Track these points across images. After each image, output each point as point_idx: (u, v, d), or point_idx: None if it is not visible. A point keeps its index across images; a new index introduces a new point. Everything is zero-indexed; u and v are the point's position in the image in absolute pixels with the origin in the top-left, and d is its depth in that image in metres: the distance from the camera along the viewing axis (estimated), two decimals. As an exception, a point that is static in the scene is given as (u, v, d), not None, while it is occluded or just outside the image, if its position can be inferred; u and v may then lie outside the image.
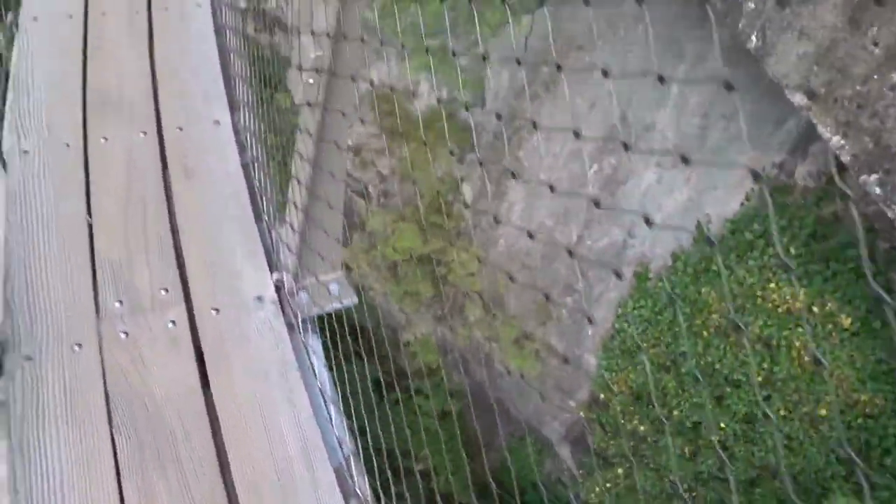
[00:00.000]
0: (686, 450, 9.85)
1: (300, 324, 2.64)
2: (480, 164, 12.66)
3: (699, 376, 9.74)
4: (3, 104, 3.10)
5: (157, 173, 2.89)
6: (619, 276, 9.29)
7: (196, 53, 3.51)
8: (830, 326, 8.12)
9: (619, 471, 10.92)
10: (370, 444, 2.58)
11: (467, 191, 13.24)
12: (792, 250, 8.33)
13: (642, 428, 10.36)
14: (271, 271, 2.72)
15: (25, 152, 2.87)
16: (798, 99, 6.14)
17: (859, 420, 8.02)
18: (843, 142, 5.96)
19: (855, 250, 7.86)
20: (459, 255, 13.17)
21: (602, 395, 11.31)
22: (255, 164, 3.01)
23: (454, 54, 9.04)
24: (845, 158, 6.01)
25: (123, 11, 3.73)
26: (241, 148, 3.03)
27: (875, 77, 5.60)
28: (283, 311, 2.63)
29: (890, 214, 5.96)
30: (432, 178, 12.98)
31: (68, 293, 2.54)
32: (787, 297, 8.49)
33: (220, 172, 2.92)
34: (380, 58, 12.57)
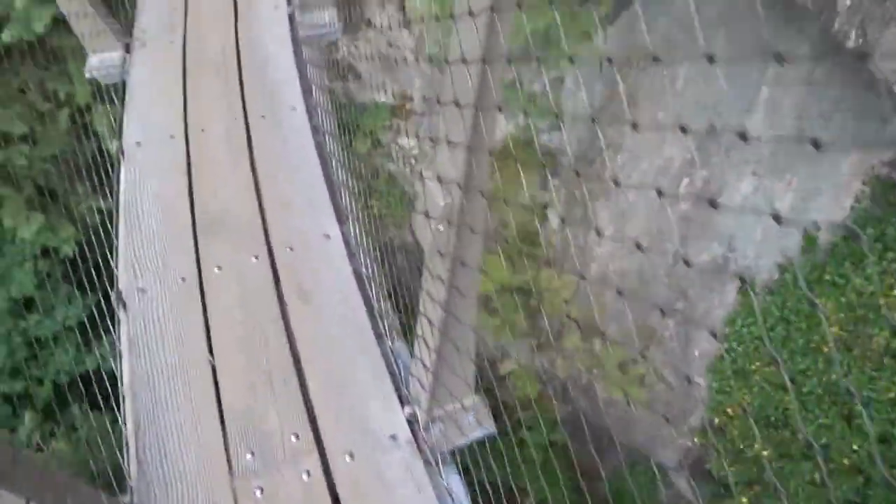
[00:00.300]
0: (816, 476, 9.14)
1: (439, 463, 2.47)
2: (565, 186, 12.39)
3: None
4: (116, 237, 3.11)
5: (272, 300, 2.80)
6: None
7: (297, 161, 3.43)
8: (970, 334, 7.38)
9: (744, 500, 10.25)
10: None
11: (553, 217, 12.98)
12: (921, 253, 7.66)
13: (765, 453, 9.70)
14: (402, 403, 2.58)
15: (143, 291, 2.83)
16: (908, 95, 5.64)
17: None
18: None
19: None
20: (551, 282, 12.88)
21: (717, 420, 10.70)
22: (369, 279, 2.90)
23: (521, 85, 8.93)
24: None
25: (222, 125, 3.69)
26: (354, 261, 2.92)
27: None
28: (420, 449, 2.48)
29: None
30: (517, 207, 12.78)
31: (199, 449, 2.45)
32: (915, 306, 7.80)
33: (335, 293, 2.81)
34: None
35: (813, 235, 8.87)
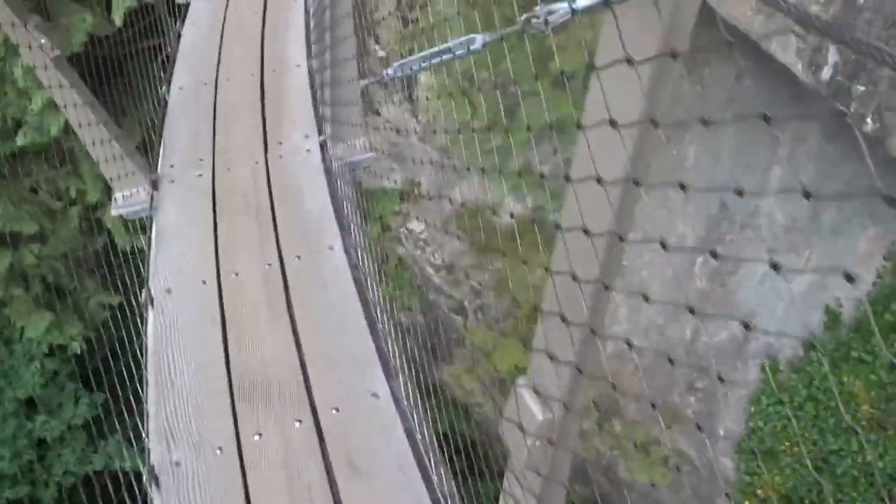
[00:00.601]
0: (859, 562, 8.79)
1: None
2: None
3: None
4: (145, 399, 2.86)
5: (319, 470, 2.54)
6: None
7: (338, 308, 3.13)
8: None
9: (783, 588, 9.82)
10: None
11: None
12: (945, 329, 7.56)
13: (803, 541, 9.36)
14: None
15: (177, 464, 2.60)
16: (933, 177, 5.64)
17: None
18: None
19: None
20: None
21: (747, 503, 10.36)
22: (424, 444, 2.69)
23: (542, 176, 9.01)
24: None
25: (256, 268, 3.44)
26: (405, 422, 2.69)
27: None
28: None
29: None
30: (528, 290, 12.71)
31: None
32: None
33: (388, 460, 2.56)
34: (462, 177, 12.69)
35: (836, 311, 8.78)
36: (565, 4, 2.34)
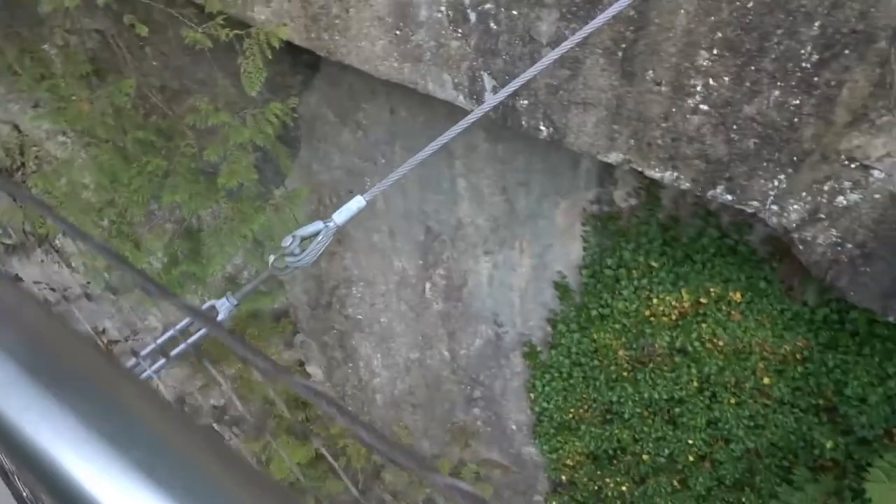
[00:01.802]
0: (675, 483, 9.62)
1: None
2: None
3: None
4: None
5: None
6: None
7: None
8: (725, 307, 8.29)
9: (625, 534, 10.46)
10: None
11: (317, 373, 12.20)
12: (654, 264, 8.42)
13: (624, 488, 9.99)
14: None
15: None
16: (614, 158, 6.08)
17: (799, 369, 8.24)
18: (675, 174, 5.97)
19: (706, 237, 8.08)
20: (343, 433, 12.05)
21: (563, 477, 10.81)
22: None
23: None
24: (686, 185, 6.02)
25: None
26: None
27: (674, 110, 5.65)
28: None
29: (750, 209, 6.06)
30: (269, 387, 11.76)
31: None
32: (674, 303, 8.57)
33: None
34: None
35: (564, 283, 9.36)
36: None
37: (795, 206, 5.94)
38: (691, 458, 9.27)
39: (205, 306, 2.70)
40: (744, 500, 9.06)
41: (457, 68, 5.97)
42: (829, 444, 8.28)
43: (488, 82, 5.99)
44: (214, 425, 13.29)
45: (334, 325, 11.38)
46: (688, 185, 5.97)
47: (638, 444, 9.55)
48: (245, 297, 2.77)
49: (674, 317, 8.66)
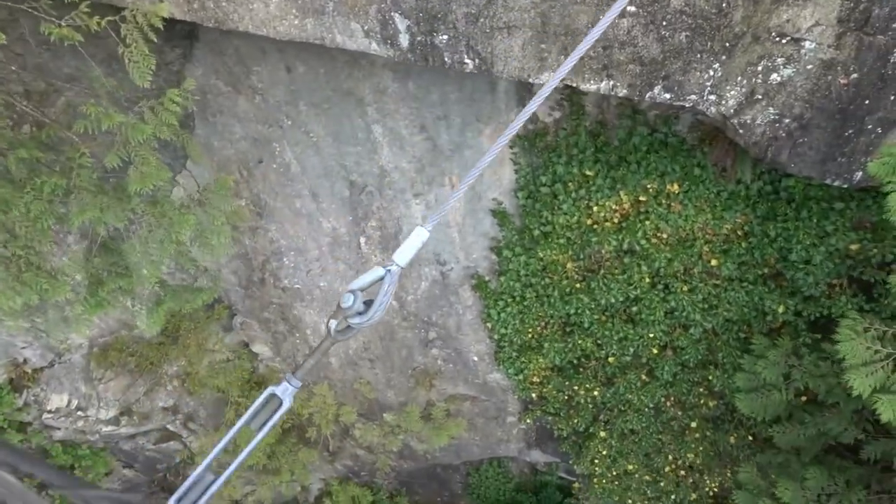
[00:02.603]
0: (642, 377, 9.88)
1: None
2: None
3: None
4: None
5: None
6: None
7: None
8: (664, 200, 8.32)
9: (602, 433, 10.77)
10: None
11: (263, 350, 11.76)
12: (589, 172, 8.31)
13: (596, 392, 10.20)
14: None
15: None
16: (545, 77, 5.79)
17: (743, 245, 8.44)
18: (611, 83, 5.76)
19: (637, 136, 8.00)
20: (305, 406, 11.79)
21: (533, 395, 10.96)
22: None
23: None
24: (623, 92, 5.83)
25: None
26: None
27: (601, 17, 5.36)
28: None
29: (689, 104, 5.95)
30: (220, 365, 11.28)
31: None
32: (614, 206, 8.55)
33: None
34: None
35: (500, 209, 9.18)
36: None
37: (732, 92, 5.87)
38: (655, 351, 9.50)
39: (263, 396, 2.32)
40: (710, 377, 9.40)
41: (365, 14, 5.46)
42: (780, 309, 8.61)
43: (401, 23, 5.53)
44: (169, 427, 12.76)
45: (272, 299, 10.90)
46: (625, 91, 5.78)
47: (602, 349, 9.70)
48: (306, 372, 2.40)
49: (616, 220, 8.65)
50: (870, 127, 6.22)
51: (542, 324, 10.04)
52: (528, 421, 11.61)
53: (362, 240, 9.92)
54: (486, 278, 9.98)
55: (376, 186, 9.28)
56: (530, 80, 5.77)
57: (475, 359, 11.22)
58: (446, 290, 10.35)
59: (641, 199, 8.35)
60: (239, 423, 2.25)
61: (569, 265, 9.21)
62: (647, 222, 8.41)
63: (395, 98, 8.27)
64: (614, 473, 11.31)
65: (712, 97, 5.86)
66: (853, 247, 7.82)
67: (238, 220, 7.69)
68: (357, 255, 10.11)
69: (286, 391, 2.31)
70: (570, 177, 8.39)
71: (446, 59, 5.70)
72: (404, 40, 5.63)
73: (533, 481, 15.02)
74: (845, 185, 6.85)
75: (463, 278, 10.14)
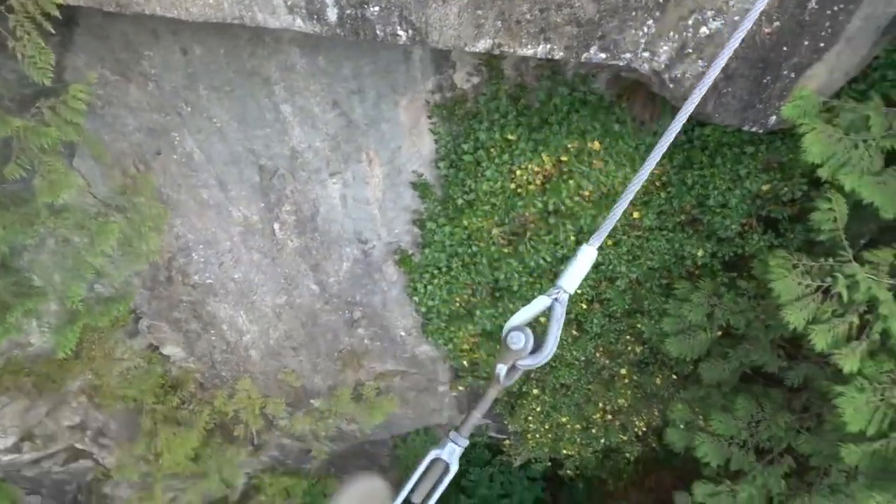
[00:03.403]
0: (573, 332, 10.05)
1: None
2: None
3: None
4: None
5: None
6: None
7: None
8: (586, 157, 8.37)
9: (535, 391, 10.95)
10: None
11: (175, 352, 11.06)
12: (511, 137, 8.22)
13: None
14: None
15: None
16: (483, 45, 5.57)
17: (663, 195, 8.66)
18: (548, 46, 5.63)
19: (557, 97, 7.95)
20: (228, 404, 11.27)
21: (465, 362, 10.95)
22: None
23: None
24: (560, 55, 5.72)
25: None
26: None
27: (541, -20, 5.20)
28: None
29: (623, 62, 5.92)
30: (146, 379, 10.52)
31: None
32: (536, 169, 8.52)
33: None
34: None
35: (421, 181, 8.95)
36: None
37: (664, 48, 5.89)
38: (584, 306, 9.68)
39: (426, 461, 2.00)
40: (638, 325, 9.70)
41: (289, -12, 5.02)
42: (699, 253, 8.95)
43: (329, -4, 5.14)
44: (78, 445, 11.85)
45: (182, 297, 10.22)
46: (561, 53, 5.68)
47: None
48: (470, 428, 2.10)
49: (539, 182, 8.64)
50: (785, 73, 6.45)
51: (470, 292, 9.98)
52: (461, 388, 11.63)
53: (276, 226, 9.42)
54: (410, 252, 9.77)
55: (288, 169, 8.79)
56: (466, 48, 5.54)
57: (402, 334, 11.05)
58: (369, 268, 10.06)
59: (563, 159, 8.36)
60: (402, 493, 1.97)
61: (494, 231, 9.15)
62: (571, 181, 8.44)
63: (305, 74, 7.79)
64: (547, 427, 11.57)
65: (646, 54, 5.86)
66: (764, 187, 8.19)
67: (162, 222, 7.06)
68: (272, 243, 9.61)
69: (453, 453, 2.00)
70: (492, 142, 8.27)
71: (378, 31, 5.36)
72: (332, 14, 5.24)
73: (460, 444, 15.19)
74: (760, 131, 7.12)
75: (386, 255, 9.88)
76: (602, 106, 8.01)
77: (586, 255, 2.17)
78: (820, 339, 6.48)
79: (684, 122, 2.36)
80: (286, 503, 13.87)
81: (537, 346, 2.05)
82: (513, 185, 8.65)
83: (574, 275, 2.15)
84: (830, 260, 6.69)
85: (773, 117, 6.97)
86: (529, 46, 5.57)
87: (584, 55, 5.70)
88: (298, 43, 7.51)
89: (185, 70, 7.67)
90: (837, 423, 7.43)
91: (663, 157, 8.16)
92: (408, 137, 8.56)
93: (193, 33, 7.39)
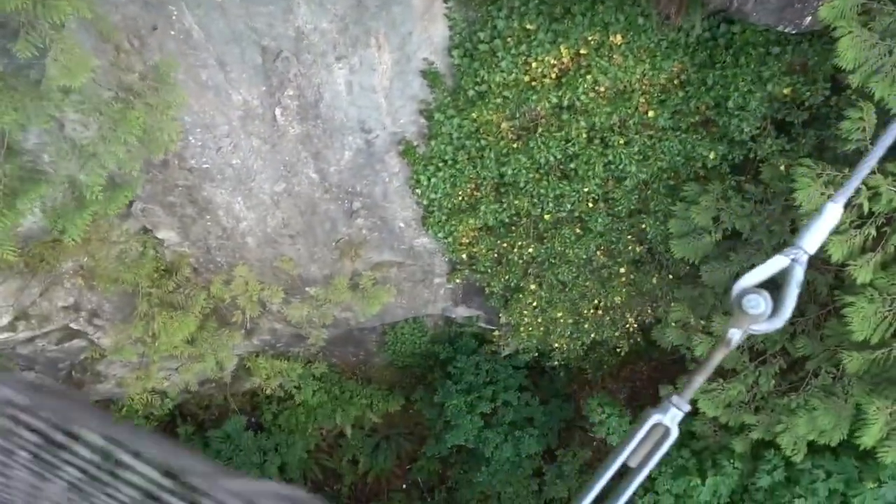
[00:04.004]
0: (576, 231, 10.03)
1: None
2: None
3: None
4: None
5: None
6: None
7: None
8: (606, 51, 8.07)
9: (532, 286, 11.05)
10: None
11: (170, 236, 10.89)
12: (530, 26, 7.84)
13: (531, 249, 10.30)
14: None
15: None
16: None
17: (680, 94, 8.43)
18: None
19: (583, -16, 7.54)
20: (225, 290, 11.24)
21: (463, 255, 10.96)
22: None
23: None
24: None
25: None
26: None
27: None
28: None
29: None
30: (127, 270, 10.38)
31: None
32: (553, 62, 8.21)
33: None
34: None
35: (432, 70, 8.60)
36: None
37: (714, -60, 5.52)
38: (590, 205, 9.61)
39: (647, 426, 1.89)
40: (643, 225, 9.70)
41: None
42: (711, 155, 8.84)
43: None
44: (72, 325, 11.85)
45: (177, 181, 9.94)
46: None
47: (537, 207, 9.69)
48: (693, 392, 1.99)
49: (554, 76, 8.35)
50: (830, -30, 6.13)
51: (474, 185, 9.84)
52: (457, 280, 11.69)
53: (278, 111, 9.07)
54: (415, 143, 9.52)
55: (293, 51, 8.36)
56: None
57: (402, 225, 10.96)
58: (371, 158, 9.82)
59: (582, 52, 8.05)
60: (620, 457, 1.90)
61: (504, 125, 8.92)
62: (589, 76, 8.17)
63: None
64: (540, 321, 11.78)
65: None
66: (786, 91, 8.00)
67: (181, 109, 6.72)
68: (273, 129, 9.28)
69: (675, 418, 1.91)
70: (509, 31, 7.90)
71: None
72: None
73: (447, 332, 15.46)
74: (793, 31, 6.86)
75: (389, 145, 9.62)
76: (628, -3, 7.64)
77: (831, 213, 2.03)
78: (836, 250, 6.53)
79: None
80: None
81: (773, 310, 1.92)
82: (527, 78, 8.35)
83: (817, 233, 2.01)
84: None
85: (809, 17, 6.71)
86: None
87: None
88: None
89: (184, -63, 7.09)
90: (837, 329, 7.64)
91: (685, 54, 7.91)
92: (420, 22, 8.12)
93: None
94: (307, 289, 11.91)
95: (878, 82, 6.53)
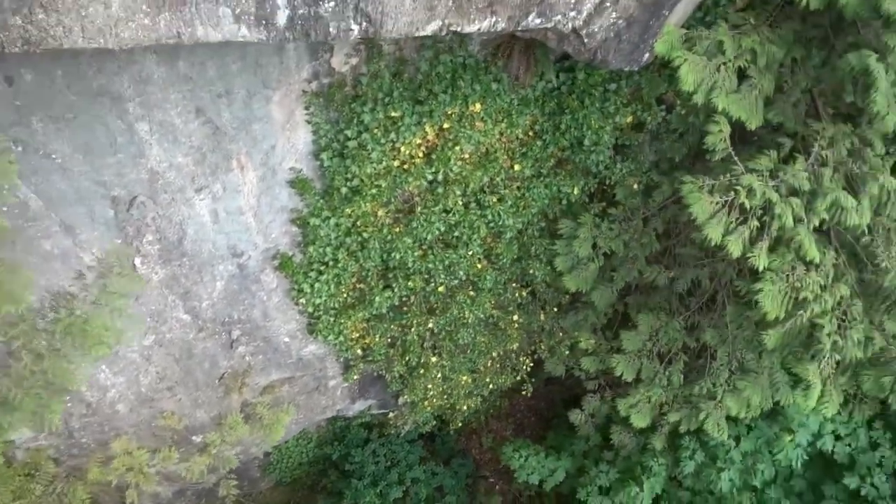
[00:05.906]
0: (470, 293, 10.11)
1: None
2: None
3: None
4: None
5: None
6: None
7: None
8: (468, 121, 8.29)
9: (434, 359, 10.94)
10: None
11: (19, 433, 9.32)
12: (396, 114, 7.86)
13: (430, 325, 10.19)
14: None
15: None
16: (433, 27, 5.19)
17: (538, 143, 8.90)
18: (494, 19, 5.42)
19: (441, 65, 7.71)
20: (102, 473, 9.84)
21: (358, 351, 10.58)
22: None
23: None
24: (502, 26, 5.55)
25: None
26: None
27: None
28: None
29: (551, 24, 5.90)
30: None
31: None
32: (419, 141, 8.28)
33: None
34: None
35: (300, 178, 8.28)
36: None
37: (587, 4, 5.96)
38: (478, 266, 9.76)
39: None
40: (531, 270, 10.04)
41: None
42: (574, 191, 9.42)
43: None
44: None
45: (31, 369, 8.52)
46: (503, 24, 5.51)
47: (430, 282, 9.65)
48: None
49: (422, 154, 8.41)
50: (664, 12, 6.88)
51: (357, 279, 9.57)
52: (354, 377, 11.25)
53: (138, 260, 8.18)
54: (290, 254, 9.07)
55: (148, 194, 7.61)
56: (417, 33, 5.14)
57: (286, 340, 10.33)
58: (246, 280, 9.18)
59: (445, 126, 8.21)
60: None
61: (380, 213, 8.81)
62: (457, 147, 8.34)
63: (163, 85, 6.70)
64: (443, 389, 11.69)
65: (572, 13, 5.89)
66: (628, 119, 8.78)
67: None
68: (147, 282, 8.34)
69: None
70: (376, 123, 7.83)
71: (331, 29, 4.75)
72: (283, 17, 4.52)
73: (332, 430, 14.77)
74: (636, 69, 7.57)
75: (263, 263, 9.07)
76: (479, 67, 7.94)
77: None
78: (734, 247, 7.22)
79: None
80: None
81: None
82: (397, 163, 8.33)
83: None
84: (728, 175, 7.42)
85: (647, 54, 7.42)
86: (476, 21, 5.32)
87: (523, 23, 5.58)
88: (154, 49, 6.41)
89: (11, 102, 6.20)
90: (736, 314, 8.46)
91: (534, 107, 8.38)
92: (282, 134, 7.80)
93: (18, 60, 5.97)
94: (193, 437, 10.77)
95: (717, 97, 7.39)
